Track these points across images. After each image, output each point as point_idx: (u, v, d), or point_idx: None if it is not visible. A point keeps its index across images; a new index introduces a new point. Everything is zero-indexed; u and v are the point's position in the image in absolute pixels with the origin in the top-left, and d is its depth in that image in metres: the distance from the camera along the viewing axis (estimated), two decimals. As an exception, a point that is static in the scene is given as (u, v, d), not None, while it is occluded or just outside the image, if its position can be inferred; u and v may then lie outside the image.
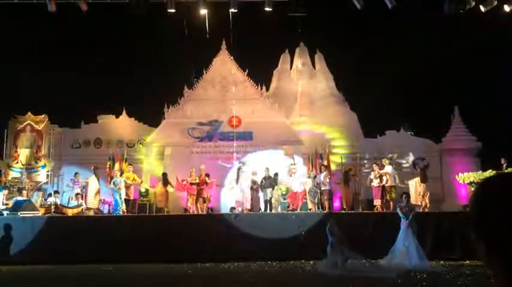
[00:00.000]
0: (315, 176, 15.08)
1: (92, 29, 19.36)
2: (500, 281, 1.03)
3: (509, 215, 1.02)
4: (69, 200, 15.16)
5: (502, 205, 1.04)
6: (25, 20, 17.05)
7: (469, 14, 13.89)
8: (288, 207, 15.07)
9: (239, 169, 15.37)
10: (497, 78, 19.60)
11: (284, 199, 15.55)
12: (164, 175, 15.93)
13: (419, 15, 17.11)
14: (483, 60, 19.42)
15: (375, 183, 14.98)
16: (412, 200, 13.49)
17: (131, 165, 16.23)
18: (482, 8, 13.76)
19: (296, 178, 15.40)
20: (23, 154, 18.30)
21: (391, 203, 14.34)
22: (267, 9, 14.08)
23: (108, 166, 16.54)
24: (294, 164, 16.16)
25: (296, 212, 14.20)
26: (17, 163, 18.13)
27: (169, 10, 13.83)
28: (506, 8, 13.83)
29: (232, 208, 15.19)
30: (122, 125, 19.95)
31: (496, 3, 13.64)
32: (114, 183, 14.69)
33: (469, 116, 19.55)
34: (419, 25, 19.02)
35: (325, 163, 16.42)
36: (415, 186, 15.03)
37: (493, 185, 1.11)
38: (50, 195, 15.76)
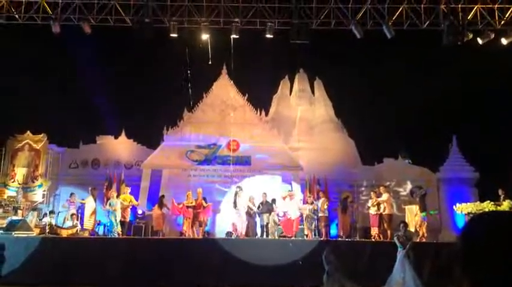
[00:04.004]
0: (312, 202, 15.01)
1: (93, 51, 19.53)
2: None
3: (497, 256, 1.02)
4: (64, 220, 15.03)
5: (491, 246, 1.04)
6: (27, 39, 17.24)
7: (467, 46, 14.16)
8: (282, 234, 14.81)
9: (236, 193, 15.25)
10: (496, 109, 19.73)
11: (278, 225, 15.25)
12: (161, 197, 15.86)
13: (418, 45, 17.35)
14: (482, 91, 19.58)
15: (373, 211, 14.90)
16: (410, 227, 13.38)
17: (128, 186, 16.15)
18: (479, 41, 14.03)
19: (293, 203, 15.28)
20: (20, 172, 18.22)
21: (389, 231, 14.23)
22: (268, 36, 14.30)
23: (105, 187, 16.48)
24: (291, 190, 16.00)
25: (293, 238, 14.07)
26: (14, 181, 18.05)
27: (171, 35, 14.03)
28: (504, 40, 14.08)
29: (229, 233, 15.06)
30: (120, 146, 19.93)
31: (493, 36, 13.92)
32: (110, 204, 14.60)
33: (467, 146, 19.59)
34: (418, 55, 19.26)
35: (323, 189, 16.39)
36: (412, 213, 14.90)
37: (483, 224, 1.12)
38: (45, 215, 15.63)
